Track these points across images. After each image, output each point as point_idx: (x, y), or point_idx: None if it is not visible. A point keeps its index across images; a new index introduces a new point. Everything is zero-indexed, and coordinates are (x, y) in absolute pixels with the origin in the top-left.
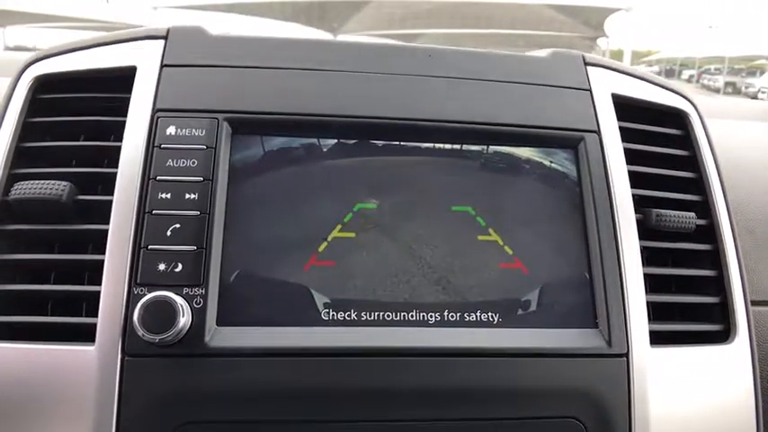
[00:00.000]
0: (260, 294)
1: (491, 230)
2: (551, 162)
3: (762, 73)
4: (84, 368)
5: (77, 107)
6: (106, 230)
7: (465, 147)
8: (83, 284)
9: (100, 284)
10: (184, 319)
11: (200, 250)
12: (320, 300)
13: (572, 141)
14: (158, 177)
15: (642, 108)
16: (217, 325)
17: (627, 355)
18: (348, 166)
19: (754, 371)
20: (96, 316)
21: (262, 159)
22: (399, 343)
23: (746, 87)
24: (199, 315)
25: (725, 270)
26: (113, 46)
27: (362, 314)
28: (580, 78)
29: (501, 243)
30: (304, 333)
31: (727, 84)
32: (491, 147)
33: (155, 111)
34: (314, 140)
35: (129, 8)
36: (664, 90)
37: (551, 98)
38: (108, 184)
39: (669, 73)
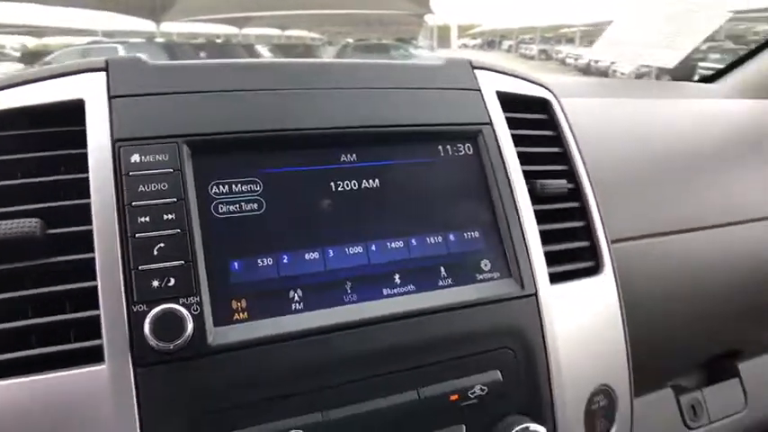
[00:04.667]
0: (245, 294)
1: (413, 210)
2: (457, 152)
3: (568, 40)
4: (99, 386)
5: (28, 143)
6: (90, 258)
7: (385, 150)
8: (67, 313)
9: (95, 308)
10: (191, 326)
11: (188, 264)
12: (293, 292)
13: (472, 134)
14: (134, 203)
15: (518, 100)
16: (214, 326)
17: (536, 294)
18: (295, 174)
19: (618, 293)
20: (99, 338)
21: (221, 174)
22: (361, 316)
23: (557, 54)
24: (198, 320)
25: (590, 221)
26: (55, 80)
27: (328, 298)
28: (470, 80)
29: (425, 219)
30: (285, 321)
31: (540, 51)
32: (408, 145)
33: (114, 141)
34: (264, 154)
35: None
36: (531, 84)
37: (449, 99)
38: (79, 215)
39: (491, 44)
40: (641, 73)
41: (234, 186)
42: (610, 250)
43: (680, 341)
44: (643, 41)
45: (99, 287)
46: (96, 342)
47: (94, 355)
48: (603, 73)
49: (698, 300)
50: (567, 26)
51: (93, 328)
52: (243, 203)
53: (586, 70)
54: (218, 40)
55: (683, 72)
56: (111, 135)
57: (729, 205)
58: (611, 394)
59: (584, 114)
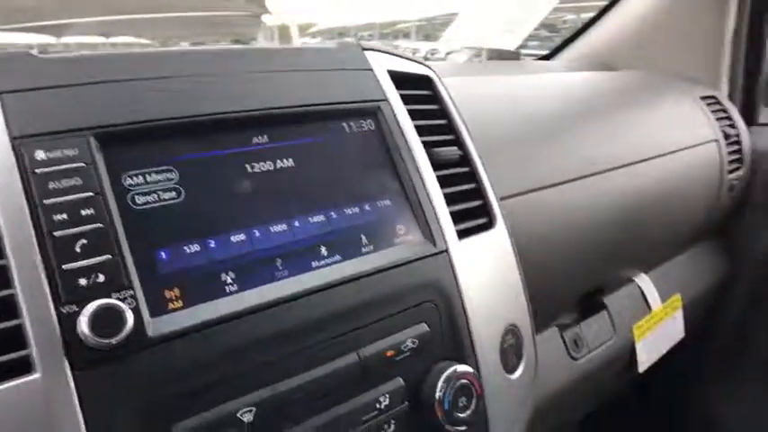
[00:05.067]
0: (177, 282)
1: (328, 185)
2: (360, 128)
3: (405, 35)
4: (34, 396)
5: None
6: (2, 266)
7: (294, 129)
8: None
9: (16, 317)
10: (131, 319)
11: (116, 257)
12: (224, 275)
13: (372, 110)
14: (45, 201)
15: (406, 78)
16: (151, 317)
17: (447, 250)
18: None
19: (511, 243)
20: (25, 347)
21: (135, 165)
22: (294, 289)
23: (395, 49)
24: (136, 312)
25: (480, 182)
26: None
27: (260, 276)
28: (362, 61)
29: (341, 192)
30: (221, 303)
31: None
32: (314, 123)
33: (12, 138)
34: (175, 141)
35: None
36: (415, 63)
37: (347, 79)
38: None
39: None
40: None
41: (148, 176)
42: (499, 206)
43: (560, 283)
44: (486, 29)
45: (18, 293)
46: (23, 352)
47: (25, 366)
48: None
49: (572, 244)
50: (402, 21)
51: (17, 338)
52: (160, 192)
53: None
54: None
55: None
56: (9, 133)
57: (587, 159)
58: (517, 333)
59: (459, 90)
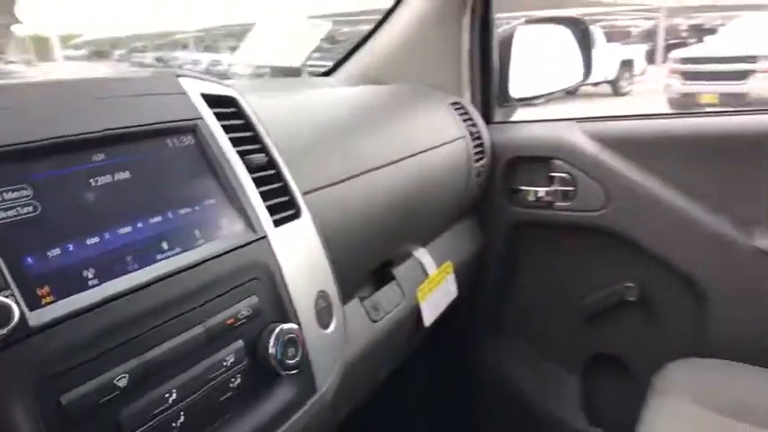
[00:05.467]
0: (46, 282)
1: (164, 191)
2: (182, 143)
3: (183, 47)
4: None
5: None
6: None
7: (126, 147)
8: None
9: None
10: (17, 310)
11: None
12: (86, 271)
13: (191, 127)
14: None
15: (216, 99)
16: (30, 311)
17: (266, 236)
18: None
19: (316, 228)
20: None
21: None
22: (146, 278)
23: (173, 60)
24: (19, 308)
25: (286, 181)
26: None
27: (115, 270)
28: (177, 87)
29: (176, 196)
30: (87, 295)
31: (157, 59)
32: (144, 142)
33: None
34: (27, 162)
35: None
36: (222, 86)
37: (167, 102)
38: None
39: (100, 54)
40: (259, 73)
41: (5, 194)
42: (303, 200)
43: (357, 259)
44: (275, 46)
45: None
46: None
47: None
48: (224, 75)
49: (364, 227)
50: (179, 32)
51: None
52: (19, 208)
53: (206, 74)
54: None
55: (293, 73)
56: None
57: (366, 158)
58: (327, 298)
59: (261, 106)
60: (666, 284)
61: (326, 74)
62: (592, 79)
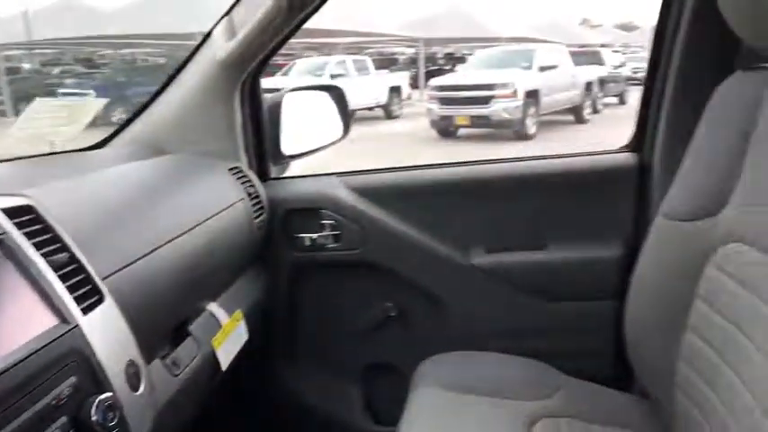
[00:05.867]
0: None
1: None
2: None
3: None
4: None
5: None
6: None
7: None
8: None
9: None
10: None
11: None
12: None
13: None
14: None
15: (15, 211)
16: None
17: (78, 325)
18: None
19: (118, 309)
20: None
21: None
22: None
23: None
24: None
25: (88, 273)
26: None
27: None
28: None
29: None
30: None
31: None
32: None
33: None
34: None
35: None
36: (16, 197)
37: None
38: None
39: None
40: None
41: None
42: (105, 284)
43: (159, 324)
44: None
45: None
46: None
47: None
48: None
49: (162, 294)
50: None
51: None
52: None
53: None
54: None
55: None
56: None
57: (161, 232)
58: (134, 364)
59: (54, 201)
60: (416, 300)
61: (98, 146)
62: (366, 104)
